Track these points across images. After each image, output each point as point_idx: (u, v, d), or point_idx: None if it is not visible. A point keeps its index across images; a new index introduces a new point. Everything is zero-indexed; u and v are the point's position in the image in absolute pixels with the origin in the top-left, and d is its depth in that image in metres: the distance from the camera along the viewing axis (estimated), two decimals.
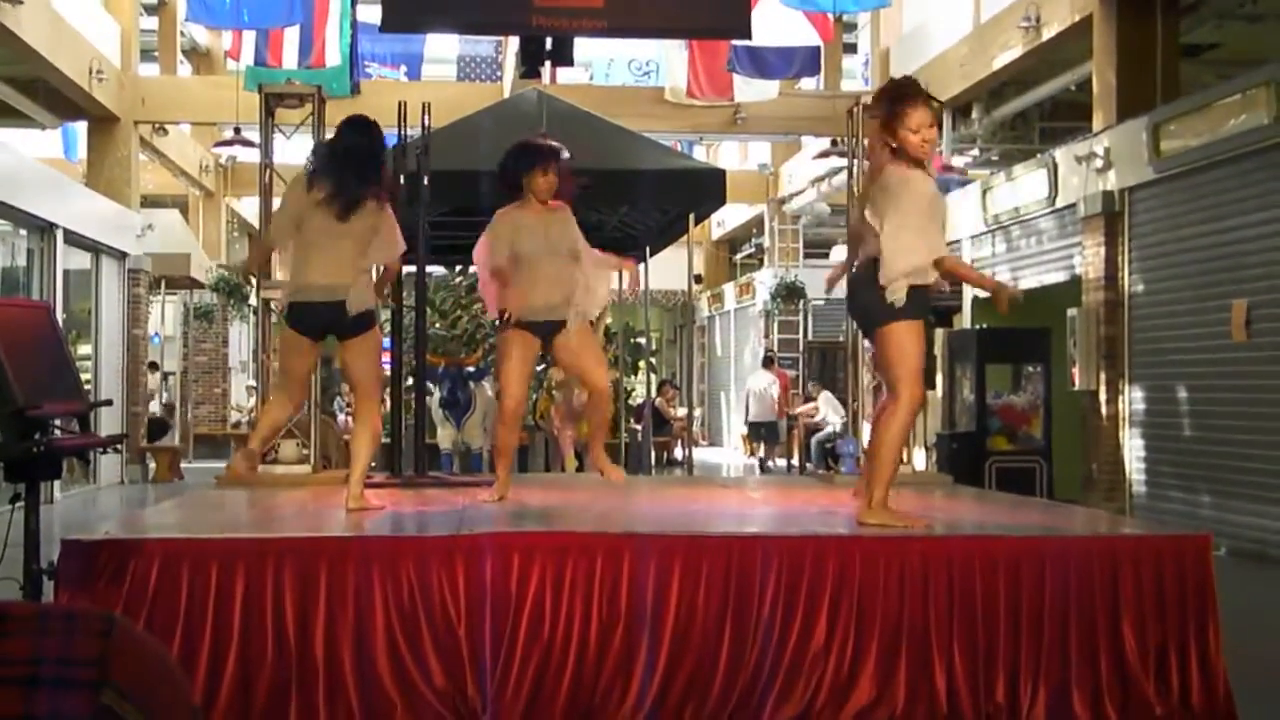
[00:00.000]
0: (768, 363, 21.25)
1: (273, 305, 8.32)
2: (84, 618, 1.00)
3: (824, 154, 18.84)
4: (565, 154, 6.39)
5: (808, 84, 19.66)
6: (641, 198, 10.96)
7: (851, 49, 22.52)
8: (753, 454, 21.01)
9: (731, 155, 27.19)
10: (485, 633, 4.67)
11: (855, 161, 8.73)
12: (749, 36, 9.53)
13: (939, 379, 14.98)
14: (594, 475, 10.53)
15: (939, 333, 15.69)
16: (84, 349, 16.15)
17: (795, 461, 19.93)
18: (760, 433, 20.65)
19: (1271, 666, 6.33)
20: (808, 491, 7.55)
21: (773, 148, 24.45)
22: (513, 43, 15.53)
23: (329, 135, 6.45)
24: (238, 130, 16.32)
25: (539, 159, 6.27)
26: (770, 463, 20.47)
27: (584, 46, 16.80)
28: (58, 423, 4.80)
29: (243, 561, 4.65)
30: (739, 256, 29.99)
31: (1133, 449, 12.67)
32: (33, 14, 13.78)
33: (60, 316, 14.11)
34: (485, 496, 6.34)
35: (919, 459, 10.92)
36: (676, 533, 5.12)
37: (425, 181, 7.94)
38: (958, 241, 16.38)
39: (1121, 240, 12.75)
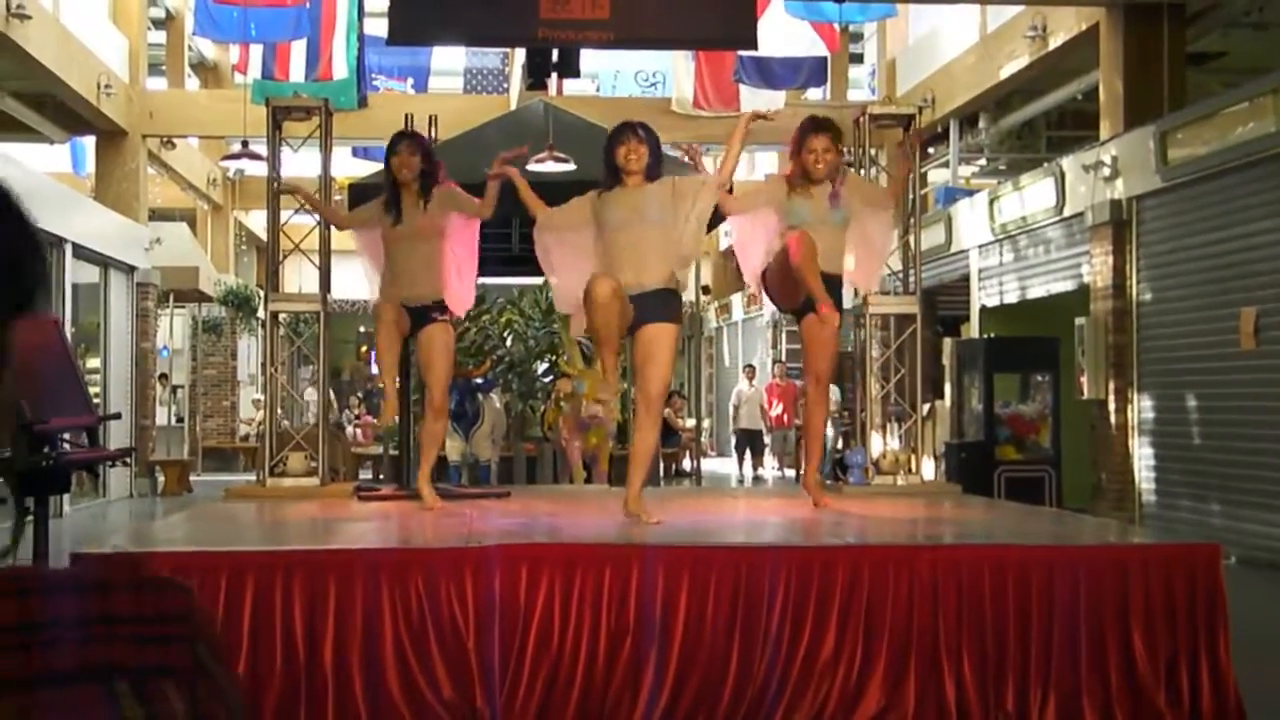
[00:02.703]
0: (750, 371, 21.50)
1: (281, 318, 8.35)
2: (171, 582, 1.09)
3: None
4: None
5: (814, 94, 19.67)
6: None
7: (858, 59, 22.52)
8: (744, 465, 20.96)
9: (738, 166, 27.18)
10: (494, 644, 4.67)
11: (861, 172, 8.73)
12: (755, 47, 9.55)
13: (947, 388, 14.96)
14: (601, 486, 10.54)
15: (947, 342, 15.68)
16: (93, 362, 16.18)
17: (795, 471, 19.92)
18: (747, 442, 20.71)
19: None
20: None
21: (779, 158, 24.44)
22: (519, 55, 15.56)
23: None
24: (245, 144, 16.33)
25: None
26: (758, 471, 20.55)
27: (590, 58, 16.79)
28: (67, 436, 4.81)
29: (252, 574, 4.65)
30: None
31: (1142, 458, 12.65)
32: (41, 29, 13.83)
33: (69, 330, 14.15)
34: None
35: (928, 468, 10.90)
36: (685, 544, 5.12)
37: None
38: (965, 251, 16.39)
39: (1129, 249, 12.73)
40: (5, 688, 0.92)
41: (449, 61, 21.61)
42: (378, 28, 16.84)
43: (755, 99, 17.36)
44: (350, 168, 18.36)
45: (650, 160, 6.13)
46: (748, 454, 20.64)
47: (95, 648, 0.93)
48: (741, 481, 19.98)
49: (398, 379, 7.47)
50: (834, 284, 6.53)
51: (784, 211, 6.55)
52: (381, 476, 15.64)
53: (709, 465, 20.29)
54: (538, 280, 15.12)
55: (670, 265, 6.05)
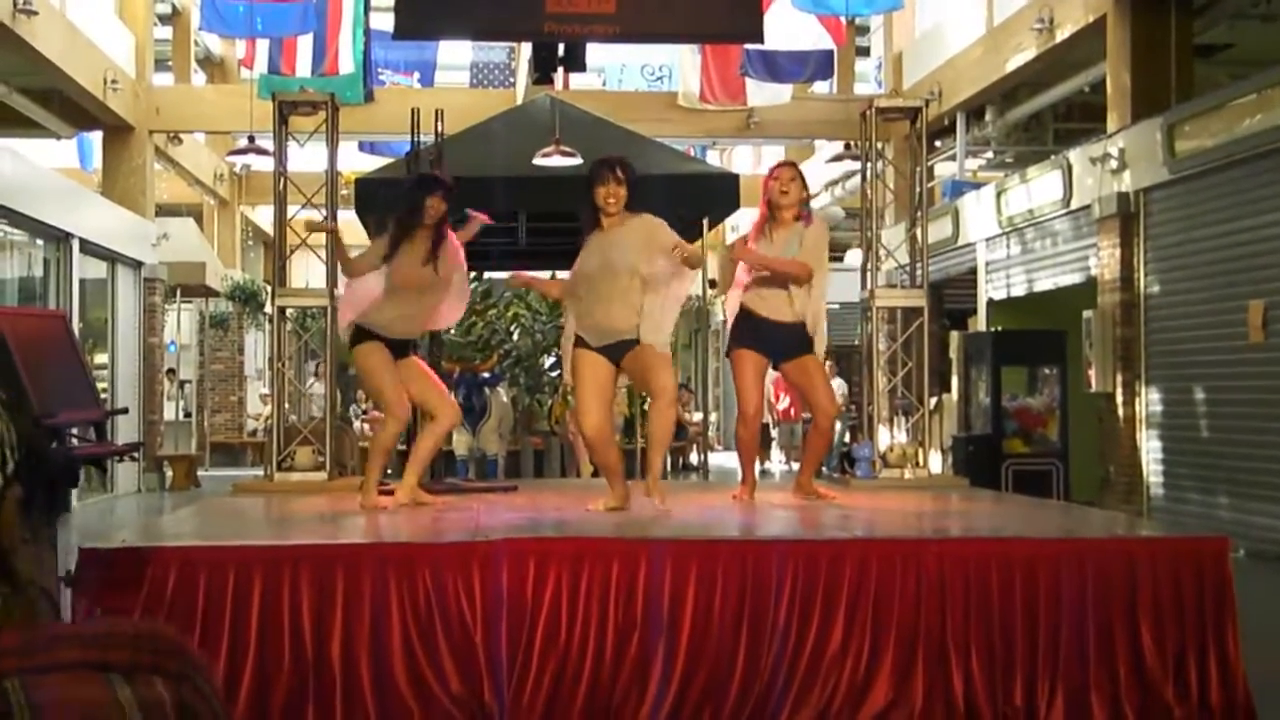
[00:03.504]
0: None
1: (288, 313, 8.35)
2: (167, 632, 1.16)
3: (837, 158, 18.79)
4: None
5: (820, 88, 19.63)
6: (655, 203, 10.88)
7: (865, 52, 22.49)
8: (760, 460, 20.94)
9: (745, 159, 27.15)
10: (501, 638, 4.67)
11: (869, 165, 8.72)
12: (761, 41, 9.54)
13: (954, 382, 14.95)
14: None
15: (954, 335, 15.68)
16: (100, 358, 16.21)
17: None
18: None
19: None
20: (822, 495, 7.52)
21: (786, 152, 24.40)
22: (525, 49, 15.54)
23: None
24: (252, 139, 16.34)
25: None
26: (764, 465, 20.52)
27: (596, 52, 16.81)
28: (75, 431, 4.82)
29: (259, 568, 4.66)
30: None
31: (1150, 451, 12.63)
32: (47, 25, 13.84)
33: (76, 326, 14.17)
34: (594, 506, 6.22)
35: (935, 462, 10.90)
36: (692, 538, 5.12)
37: None
38: (972, 244, 16.36)
39: (1137, 241, 12.71)
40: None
41: (455, 56, 21.62)
42: (384, 22, 16.83)
43: (761, 92, 17.35)
44: (356, 162, 18.37)
45: (628, 198, 6.24)
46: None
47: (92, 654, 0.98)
48: (765, 474, 19.92)
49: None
50: (796, 329, 6.69)
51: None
52: (389, 471, 15.64)
53: (716, 459, 20.27)
54: (544, 274, 15.15)
55: (637, 310, 6.15)
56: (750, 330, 6.75)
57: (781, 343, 6.71)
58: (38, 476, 1.09)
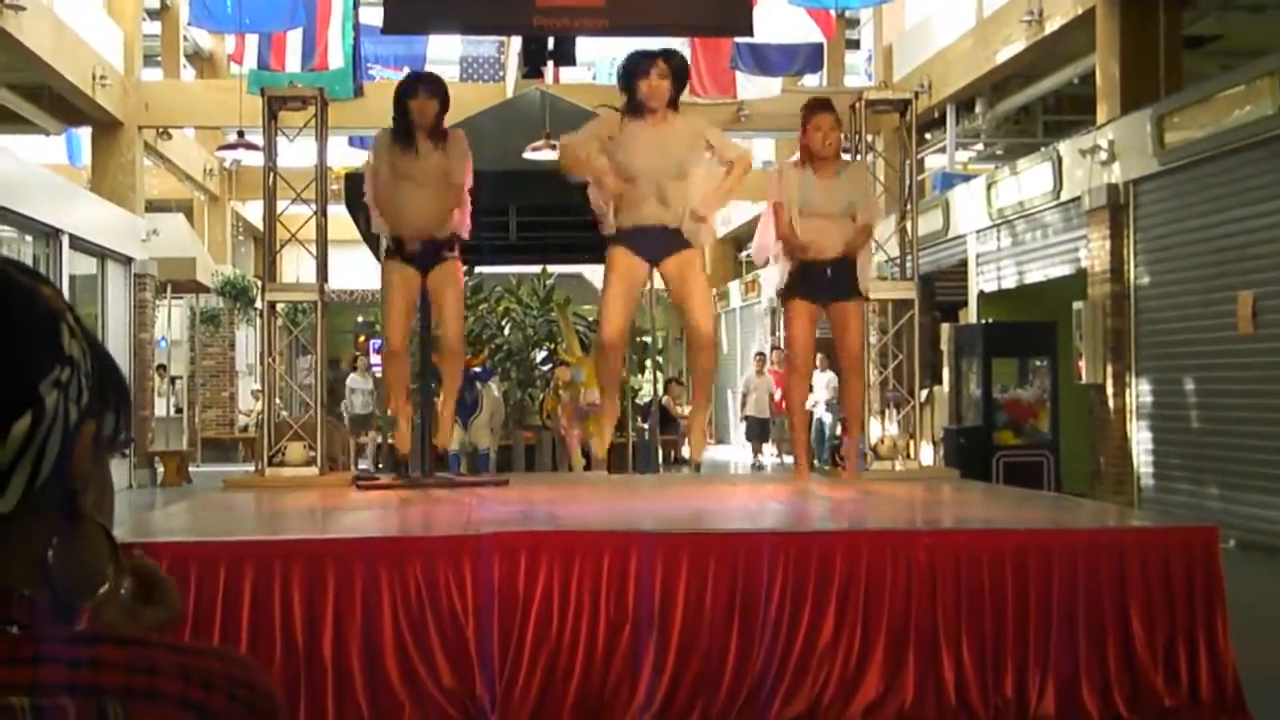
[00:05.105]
0: (759, 360, 21.41)
1: (278, 308, 8.34)
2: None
3: (822, 106, 18.79)
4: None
5: (811, 80, 19.64)
6: None
7: (854, 45, 22.49)
8: (757, 453, 20.97)
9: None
10: (493, 632, 4.67)
11: (859, 158, 8.72)
12: (751, 34, 9.51)
13: (945, 374, 14.96)
14: (601, 474, 10.54)
15: (945, 327, 15.68)
16: None
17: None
18: (755, 429, 20.68)
19: None
20: (814, 487, 7.54)
21: (776, 144, 24.41)
22: (515, 43, 15.52)
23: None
24: (241, 134, 16.33)
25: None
26: (776, 458, 20.50)
27: (586, 46, 16.79)
28: None
29: (250, 563, 4.65)
30: (744, 254, 29.93)
31: (1140, 442, 12.66)
32: (35, 20, 13.80)
33: None
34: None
35: (926, 454, 10.91)
36: (683, 531, 5.12)
37: None
38: (963, 237, 16.38)
39: (1127, 233, 12.73)
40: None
41: (445, 50, 21.57)
42: (373, 17, 16.81)
43: (751, 85, 17.35)
44: (346, 157, 18.33)
45: (674, 93, 6.07)
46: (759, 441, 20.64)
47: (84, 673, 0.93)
48: (760, 468, 19.90)
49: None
50: (846, 265, 6.85)
51: (793, 198, 6.73)
52: (380, 466, 15.65)
53: (708, 453, 20.29)
54: (535, 269, 15.16)
55: (685, 208, 6.07)
56: (800, 278, 6.86)
57: (830, 286, 6.87)
58: (109, 407, 1.03)
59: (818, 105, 7.10)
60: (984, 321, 15.21)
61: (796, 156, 7.11)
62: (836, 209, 6.85)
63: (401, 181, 6.70)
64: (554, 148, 9.57)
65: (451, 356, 6.86)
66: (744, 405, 21.03)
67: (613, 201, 6.04)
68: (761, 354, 21.75)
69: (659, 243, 6.07)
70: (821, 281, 6.86)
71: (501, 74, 20.05)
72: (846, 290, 6.96)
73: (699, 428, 6.49)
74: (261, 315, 8.74)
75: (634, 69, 5.98)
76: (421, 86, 6.78)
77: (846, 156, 7.19)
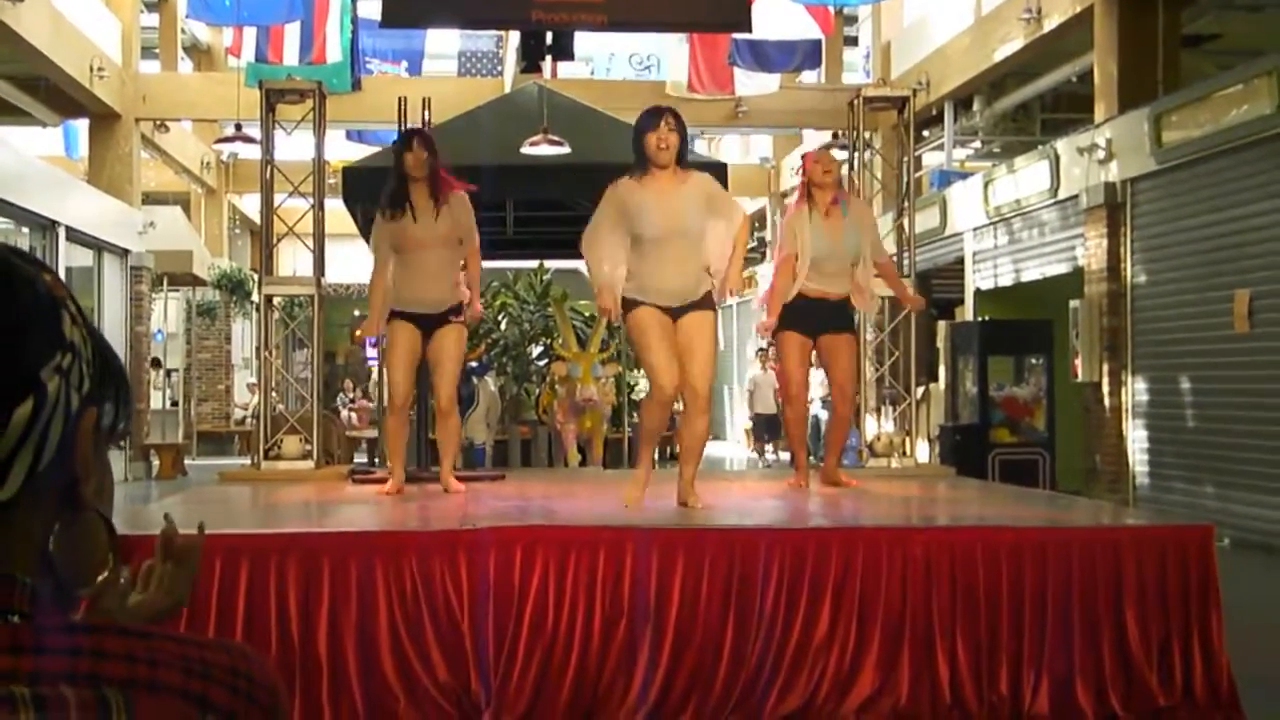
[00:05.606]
0: (763, 356, 21.39)
1: (275, 302, 8.34)
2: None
3: (825, 147, 18.82)
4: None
5: (809, 77, 19.64)
6: None
7: (853, 42, 22.51)
8: (761, 452, 20.97)
9: (733, 149, 27.16)
10: (488, 627, 4.67)
11: (856, 155, 8.72)
12: (749, 30, 9.52)
13: (942, 371, 14.97)
14: (596, 469, 10.54)
15: (941, 325, 15.69)
16: None
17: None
18: (763, 426, 20.67)
19: (1276, 657, 6.33)
20: (810, 485, 7.53)
21: (774, 141, 24.44)
22: (513, 38, 15.52)
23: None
24: (239, 127, 16.32)
25: None
26: (775, 455, 20.47)
27: (584, 41, 16.78)
28: None
29: (246, 557, 4.65)
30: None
31: (1136, 440, 12.67)
32: (34, 12, 13.78)
33: None
34: None
35: (922, 451, 10.92)
36: (679, 526, 5.12)
37: None
38: (960, 234, 16.39)
39: (1124, 231, 12.73)
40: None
41: (443, 45, 21.59)
42: (371, 10, 16.82)
43: (749, 82, 17.35)
44: (344, 151, 18.33)
45: (680, 149, 6.04)
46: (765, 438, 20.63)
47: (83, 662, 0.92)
48: (769, 466, 19.89)
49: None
50: (842, 306, 6.98)
51: (804, 246, 6.78)
52: (376, 460, 15.64)
53: (707, 448, 20.27)
54: (532, 264, 15.13)
55: (703, 273, 6.04)
56: (791, 311, 6.87)
57: (821, 318, 6.90)
58: (109, 395, 1.03)
59: (821, 148, 7.27)
60: (980, 319, 15.22)
61: (796, 196, 7.08)
62: (847, 257, 6.87)
63: (407, 256, 6.57)
64: (552, 142, 9.57)
65: (443, 417, 6.78)
66: (751, 404, 21.03)
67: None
68: (763, 349, 21.75)
69: (678, 303, 6.01)
70: (813, 315, 6.85)
71: (500, 69, 20.06)
72: (838, 323, 6.94)
73: (692, 472, 6.21)
74: (258, 308, 8.74)
75: (643, 125, 5.99)
76: (415, 139, 6.76)
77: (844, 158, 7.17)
